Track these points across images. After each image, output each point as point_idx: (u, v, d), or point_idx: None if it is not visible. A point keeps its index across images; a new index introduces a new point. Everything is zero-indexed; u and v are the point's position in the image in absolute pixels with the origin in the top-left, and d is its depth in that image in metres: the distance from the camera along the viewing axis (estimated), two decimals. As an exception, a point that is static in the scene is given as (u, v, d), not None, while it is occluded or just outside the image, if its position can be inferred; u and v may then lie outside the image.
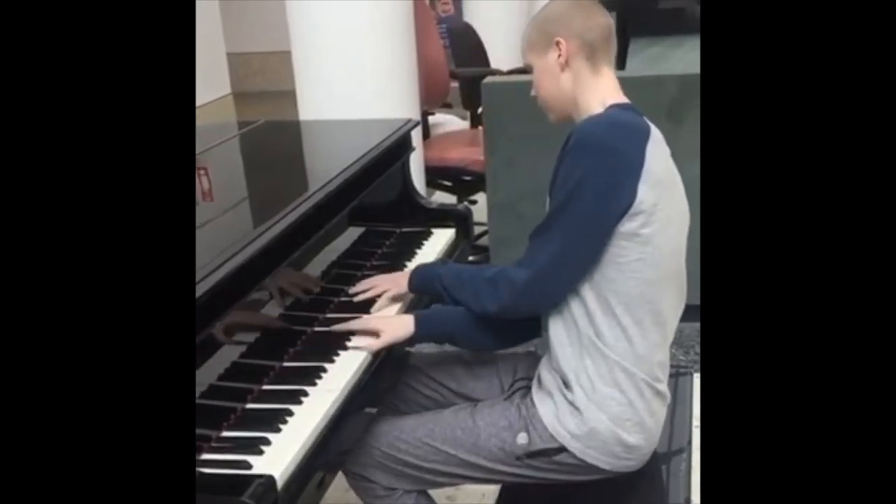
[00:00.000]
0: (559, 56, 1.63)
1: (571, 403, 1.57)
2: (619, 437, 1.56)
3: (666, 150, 1.62)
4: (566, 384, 1.60)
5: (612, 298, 1.55)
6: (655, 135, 1.59)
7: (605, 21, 1.67)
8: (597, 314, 1.56)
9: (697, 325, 3.36)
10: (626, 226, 1.52)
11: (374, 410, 1.75)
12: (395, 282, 1.87)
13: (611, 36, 1.67)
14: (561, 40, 1.62)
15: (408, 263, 2.10)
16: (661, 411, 1.62)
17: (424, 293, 1.87)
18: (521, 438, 1.59)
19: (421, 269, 1.86)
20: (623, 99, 1.65)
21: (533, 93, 1.71)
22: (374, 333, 1.72)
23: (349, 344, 1.71)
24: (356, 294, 1.89)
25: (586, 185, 1.51)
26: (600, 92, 1.64)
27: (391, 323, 1.75)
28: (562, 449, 1.58)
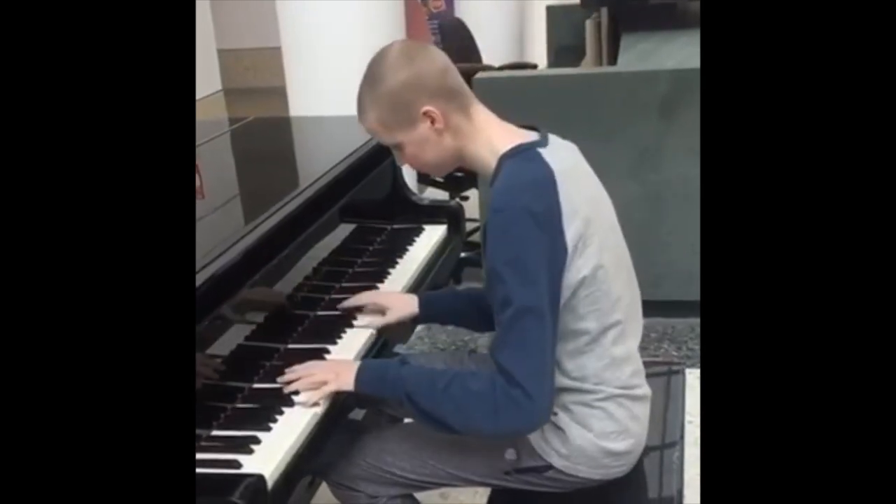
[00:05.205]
0: (433, 123, 1.46)
1: (555, 424, 1.52)
2: (606, 448, 1.53)
3: (576, 169, 1.51)
4: None
5: (578, 340, 1.48)
6: (560, 166, 1.45)
7: (442, 58, 1.49)
8: (563, 360, 1.48)
9: (690, 320, 3.37)
10: (568, 279, 1.42)
11: (363, 412, 1.74)
12: (336, 372, 1.55)
13: (454, 69, 1.50)
14: (428, 108, 1.45)
15: (399, 260, 2.09)
16: (644, 412, 1.59)
17: (375, 396, 1.62)
18: (509, 454, 1.56)
19: (371, 365, 1.57)
20: (508, 139, 1.49)
21: (401, 164, 1.57)
22: (381, 311, 1.79)
23: (356, 322, 1.78)
24: (288, 372, 1.58)
25: (530, 263, 1.38)
26: (484, 138, 1.49)
27: (397, 298, 1.82)
28: (549, 466, 1.55)
